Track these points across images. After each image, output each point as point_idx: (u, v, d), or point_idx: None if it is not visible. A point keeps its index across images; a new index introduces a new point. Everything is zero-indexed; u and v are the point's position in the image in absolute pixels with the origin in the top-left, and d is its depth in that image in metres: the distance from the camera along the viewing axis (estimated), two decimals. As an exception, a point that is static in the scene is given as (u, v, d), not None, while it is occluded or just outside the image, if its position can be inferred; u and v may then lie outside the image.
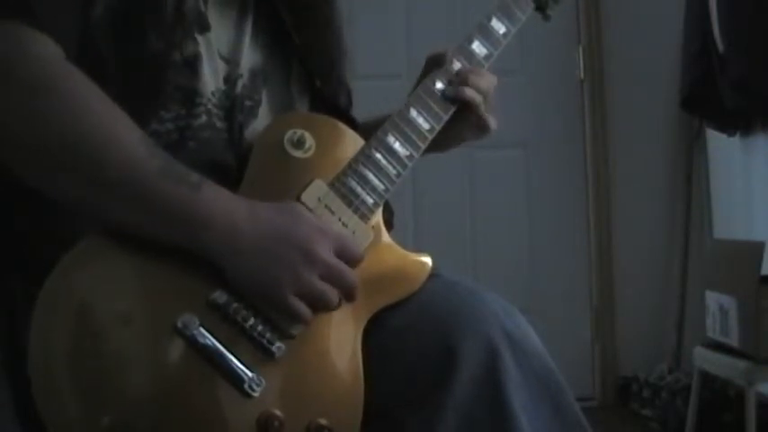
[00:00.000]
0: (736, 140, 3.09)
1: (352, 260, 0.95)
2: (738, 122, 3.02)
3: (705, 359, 2.63)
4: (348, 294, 0.95)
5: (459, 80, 1.11)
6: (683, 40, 3.14)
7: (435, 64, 1.13)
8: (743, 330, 2.41)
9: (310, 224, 0.94)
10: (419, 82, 1.14)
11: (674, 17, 3.19)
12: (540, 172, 3.57)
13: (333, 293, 0.93)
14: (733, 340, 2.46)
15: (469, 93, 1.10)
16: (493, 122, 1.14)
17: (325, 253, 0.93)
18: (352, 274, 0.95)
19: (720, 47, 2.90)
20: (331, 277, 0.93)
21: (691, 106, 3.17)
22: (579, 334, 3.52)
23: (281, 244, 0.92)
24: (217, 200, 0.91)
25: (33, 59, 0.89)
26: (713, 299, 2.61)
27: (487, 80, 1.13)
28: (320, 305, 0.93)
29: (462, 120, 1.12)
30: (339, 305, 0.94)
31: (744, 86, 2.79)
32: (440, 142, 1.11)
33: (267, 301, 0.91)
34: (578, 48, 3.56)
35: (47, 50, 0.90)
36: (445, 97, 1.10)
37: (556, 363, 0.99)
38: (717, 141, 3.32)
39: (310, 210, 0.98)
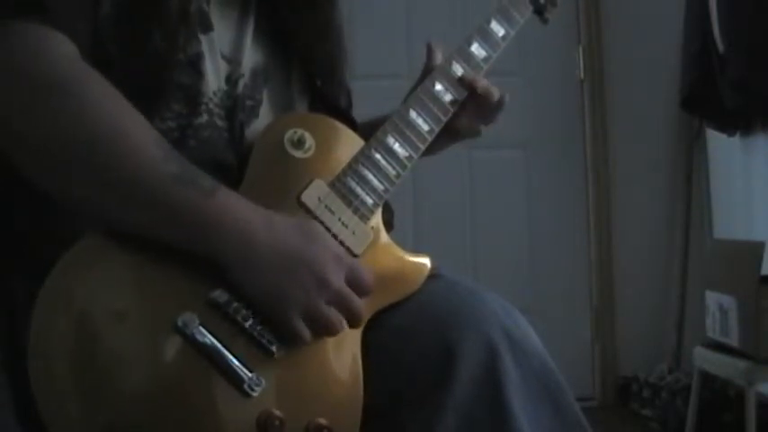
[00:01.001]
0: (736, 140, 3.09)
1: (363, 290, 0.95)
2: (738, 122, 3.02)
3: (705, 359, 2.63)
4: (353, 322, 0.95)
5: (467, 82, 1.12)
6: (683, 40, 3.14)
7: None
8: (743, 330, 2.41)
9: (327, 249, 0.94)
10: (417, 83, 1.15)
11: (674, 17, 3.20)
12: (540, 172, 3.57)
13: (338, 320, 0.93)
14: (733, 340, 2.46)
15: (489, 88, 1.12)
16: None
17: (338, 280, 0.93)
18: (360, 304, 0.95)
19: (720, 47, 2.90)
20: (339, 304, 0.93)
21: (691, 106, 3.17)
22: (579, 334, 3.52)
23: (296, 263, 0.91)
24: (231, 207, 0.91)
25: (49, 58, 0.89)
26: (713, 299, 2.61)
27: (494, 90, 1.15)
28: (322, 330, 0.93)
29: (454, 124, 1.13)
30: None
31: (744, 86, 2.79)
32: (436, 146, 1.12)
33: (271, 315, 0.91)
34: (578, 48, 3.56)
35: (62, 49, 0.90)
36: (461, 83, 1.11)
37: (556, 363, 0.99)
38: (717, 141, 3.32)
39: (310, 210, 0.98)
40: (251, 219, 0.91)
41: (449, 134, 1.14)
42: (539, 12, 1.26)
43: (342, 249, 0.96)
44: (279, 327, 0.91)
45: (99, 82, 0.90)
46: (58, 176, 0.89)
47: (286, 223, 0.93)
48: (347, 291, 0.94)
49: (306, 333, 0.92)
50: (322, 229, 0.96)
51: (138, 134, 0.90)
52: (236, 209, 0.91)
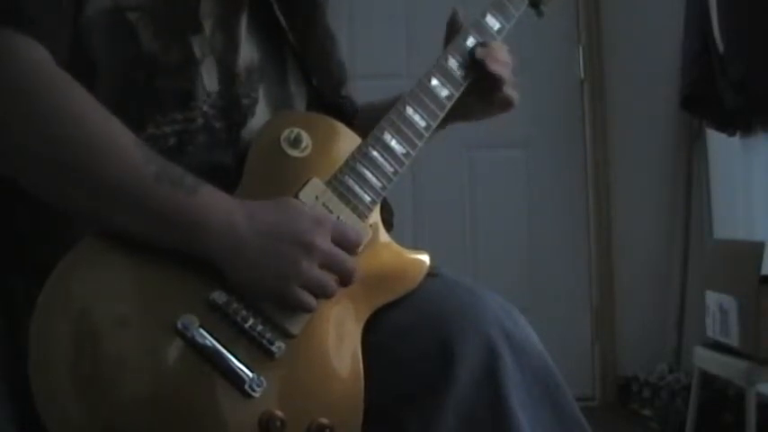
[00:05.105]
0: (736, 140, 3.09)
1: (350, 247, 0.95)
2: (738, 122, 3.02)
3: (705, 359, 2.63)
4: (346, 280, 0.95)
5: (485, 52, 1.12)
6: (683, 40, 3.14)
7: (453, 30, 1.15)
8: (743, 330, 2.41)
9: (306, 216, 0.94)
10: (446, 42, 1.16)
11: (674, 17, 3.20)
12: (540, 172, 3.57)
13: (333, 281, 0.93)
14: (733, 340, 2.46)
15: (496, 67, 1.12)
16: (516, 97, 1.16)
17: (324, 242, 0.93)
18: (351, 261, 0.95)
19: (720, 47, 2.90)
20: (330, 265, 0.93)
21: (691, 106, 3.16)
22: (579, 334, 3.52)
23: (281, 240, 0.92)
24: (213, 202, 0.91)
25: (23, 65, 0.89)
26: (713, 299, 2.61)
27: (506, 53, 1.15)
28: (322, 294, 0.93)
29: (484, 96, 1.13)
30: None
31: (744, 86, 2.79)
32: (466, 115, 1.14)
33: (271, 297, 0.91)
34: (578, 48, 3.56)
35: (37, 56, 0.90)
36: (473, 61, 1.11)
37: (556, 363, 0.99)
38: (717, 141, 3.32)
39: (308, 209, 0.98)
40: (232, 211, 0.91)
41: (479, 103, 1.14)
42: (534, 5, 1.25)
43: (321, 211, 0.97)
44: (282, 308, 0.91)
45: (75, 88, 0.90)
46: (45, 183, 0.90)
47: (264, 206, 0.94)
48: (336, 250, 0.94)
49: (311, 301, 0.92)
50: (298, 201, 0.96)
51: (118, 137, 0.90)
52: (218, 204, 0.91)
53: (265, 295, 0.91)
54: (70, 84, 0.90)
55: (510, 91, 1.14)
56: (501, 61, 1.12)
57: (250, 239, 0.91)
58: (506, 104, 1.16)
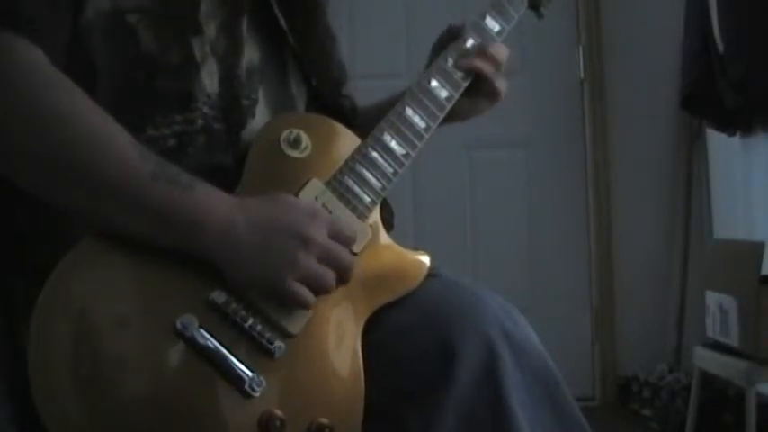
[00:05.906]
0: (736, 140, 3.09)
1: (346, 242, 0.95)
2: (738, 122, 3.02)
3: (705, 359, 2.63)
4: (344, 276, 0.94)
5: (475, 51, 1.12)
6: (683, 40, 3.14)
7: (451, 38, 1.15)
8: (743, 330, 2.41)
9: (302, 209, 0.94)
10: (433, 51, 1.16)
11: (675, 17, 3.20)
12: (540, 172, 3.57)
13: (330, 275, 0.93)
14: (733, 340, 2.46)
15: (478, 63, 1.12)
16: (503, 87, 1.16)
17: (321, 235, 0.93)
18: (348, 255, 0.95)
19: (720, 47, 2.90)
20: (328, 259, 0.93)
21: (691, 106, 3.16)
22: (579, 334, 3.52)
23: (277, 233, 0.92)
24: (210, 200, 0.91)
25: (22, 66, 0.89)
26: (713, 299, 2.61)
27: (502, 50, 1.15)
28: (320, 288, 0.93)
29: (475, 91, 1.14)
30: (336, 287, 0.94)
31: (744, 86, 2.79)
32: (457, 114, 1.13)
33: (269, 291, 0.91)
34: (578, 48, 3.56)
35: (35, 57, 0.90)
36: (458, 68, 1.11)
37: (556, 363, 0.99)
38: (717, 141, 3.32)
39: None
40: (230, 208, 0.92)
41: (471, 98, 1.15)
42: (534, 7, 1.25)
43: (316, 205, 0.97)
44: (280, 303, 0.91)
45: (72, 89, 0.90)
46: (44, 185, 0.90)
47: (259, 202, 0.94)
48: (332, 244, 0.94)
49: (308, 295, 0.92)
50: (292, 195, 0.96)
51: (115, 137, 0.90)
52: (216, 202, 0.91)
53: (264, 291, 0.91)
54: (68, 85, 0.90)
55: (498, 83, 1.14)
56: (486, 55, 1.12)
57: (248, 236, 0.91)
58: (494, 96, 1.16)
